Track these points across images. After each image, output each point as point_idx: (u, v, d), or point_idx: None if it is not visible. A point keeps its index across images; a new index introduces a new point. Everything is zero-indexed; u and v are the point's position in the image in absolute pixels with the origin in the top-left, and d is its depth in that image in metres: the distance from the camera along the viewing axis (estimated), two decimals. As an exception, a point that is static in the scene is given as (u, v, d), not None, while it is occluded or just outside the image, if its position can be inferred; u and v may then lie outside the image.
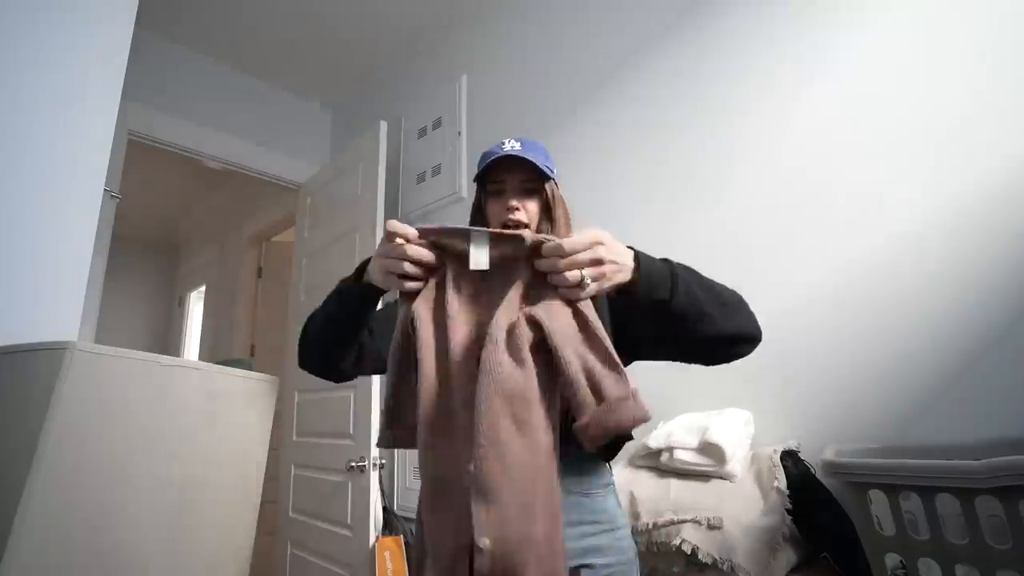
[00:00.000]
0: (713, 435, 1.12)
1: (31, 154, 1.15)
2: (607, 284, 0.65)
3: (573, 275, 0.62)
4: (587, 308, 0.63)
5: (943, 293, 1.08)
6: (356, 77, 2.72)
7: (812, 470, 1.08)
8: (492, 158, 0.89)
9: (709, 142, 1.49)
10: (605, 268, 0.64)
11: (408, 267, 0.67)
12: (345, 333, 0.81)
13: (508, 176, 0.90)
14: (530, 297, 0.64)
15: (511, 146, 0.90)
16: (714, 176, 1.46)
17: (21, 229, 1.12)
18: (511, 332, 0.60)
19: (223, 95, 2.57)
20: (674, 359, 0.80)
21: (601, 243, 0.64)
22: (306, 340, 0.85)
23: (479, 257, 0.65)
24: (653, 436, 1.23)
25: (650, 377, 1.35)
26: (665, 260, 0.71)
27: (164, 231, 4.71)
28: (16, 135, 1.14)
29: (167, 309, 4.73)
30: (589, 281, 0.63)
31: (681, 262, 0.73)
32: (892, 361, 1.12)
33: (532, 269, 0.65)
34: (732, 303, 0.75)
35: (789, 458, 1.10)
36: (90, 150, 1.23)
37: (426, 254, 0.67)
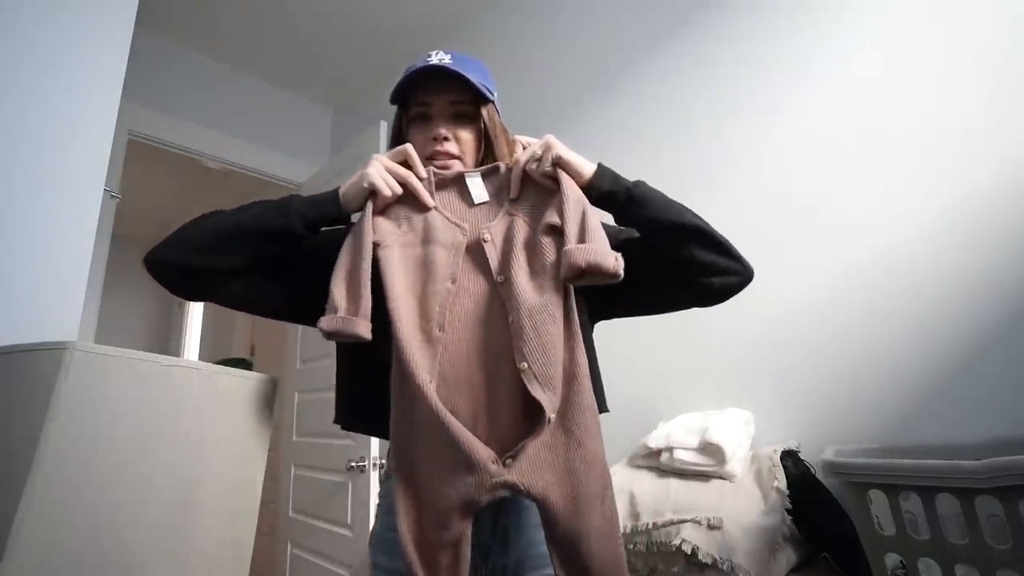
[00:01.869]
0: (713, 435, 1.12)
1: (31, 154, 1.15)
2: (561, 154, 0.68)
3: (532, 154, 0.68)
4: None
5: (943, 293, 1.08)
6: (356, 77, 2.72)
7: (812, 470, 1.08)
8: (413, 70, 0.71)
9: (705, 144, 1.49)
10: (551, 143, 0.69)
11: (397, 187, 0.70)
12: (258, 241, 0.66)
13: (435, 98, 0.73)
14: (525, 211, 0.71)
15: (439, 58, 0.71)
16: (712, 177, 1.46)
17: (21, 229, 1.12)
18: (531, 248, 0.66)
19: (223, 95, 2.56)
20: (652, 293, 0.72)
21: (552, 138, 0.70)
22: (196, 228, 0.69)
23: (479, 192, 0.73)
24: (653, 436, 1.23)
25: (651, 377, 1.34)
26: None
27: (164, 231, 4.64)
28: (16, 135, 1.14)
29: (167, 309, 4.72)
30: (539, 152, 0.68)
31: None
32: (892, 361, 1.12)
33: (508, 192, 0.73)
34: (709, 224, 0.70)
35: (789, 458, 1.10)
36: (90, 150, 1.23)
37: (426, 197, 0.72)
